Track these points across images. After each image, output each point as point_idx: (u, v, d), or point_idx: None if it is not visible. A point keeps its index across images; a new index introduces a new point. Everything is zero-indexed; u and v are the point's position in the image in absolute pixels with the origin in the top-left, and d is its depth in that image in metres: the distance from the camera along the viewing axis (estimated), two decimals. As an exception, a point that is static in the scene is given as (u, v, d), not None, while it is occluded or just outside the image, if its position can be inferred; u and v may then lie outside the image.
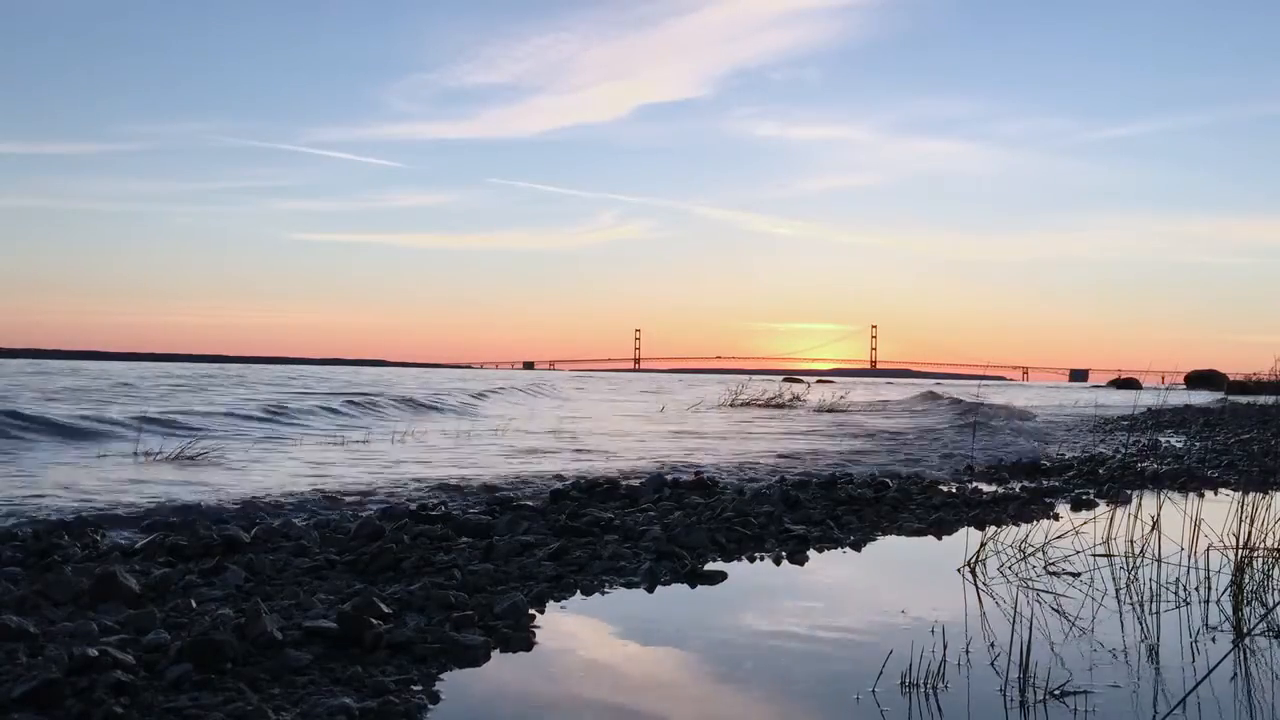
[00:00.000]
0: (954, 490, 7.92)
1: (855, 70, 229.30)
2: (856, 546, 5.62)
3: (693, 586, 4.56)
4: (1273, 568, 4.46)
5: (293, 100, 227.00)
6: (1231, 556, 4.52)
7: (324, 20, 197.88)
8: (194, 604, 3.83)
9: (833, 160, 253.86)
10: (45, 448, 10.60)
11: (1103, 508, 6.88)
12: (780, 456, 11.22)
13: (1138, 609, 4.14)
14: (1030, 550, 5.11)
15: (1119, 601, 4.25)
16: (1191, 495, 7.94)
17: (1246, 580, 4.33)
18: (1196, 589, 4.40)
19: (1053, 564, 4.93)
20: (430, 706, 2.90)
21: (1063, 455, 11.53)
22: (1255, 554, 4.47)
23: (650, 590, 4.48)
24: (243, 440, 12.13)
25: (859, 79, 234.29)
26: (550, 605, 4.10)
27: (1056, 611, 4.07)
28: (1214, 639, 3.68)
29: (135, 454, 9.81)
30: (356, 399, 20.75)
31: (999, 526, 6.07)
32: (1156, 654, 3.47)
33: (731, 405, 26.06)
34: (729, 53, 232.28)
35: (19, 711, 2.70)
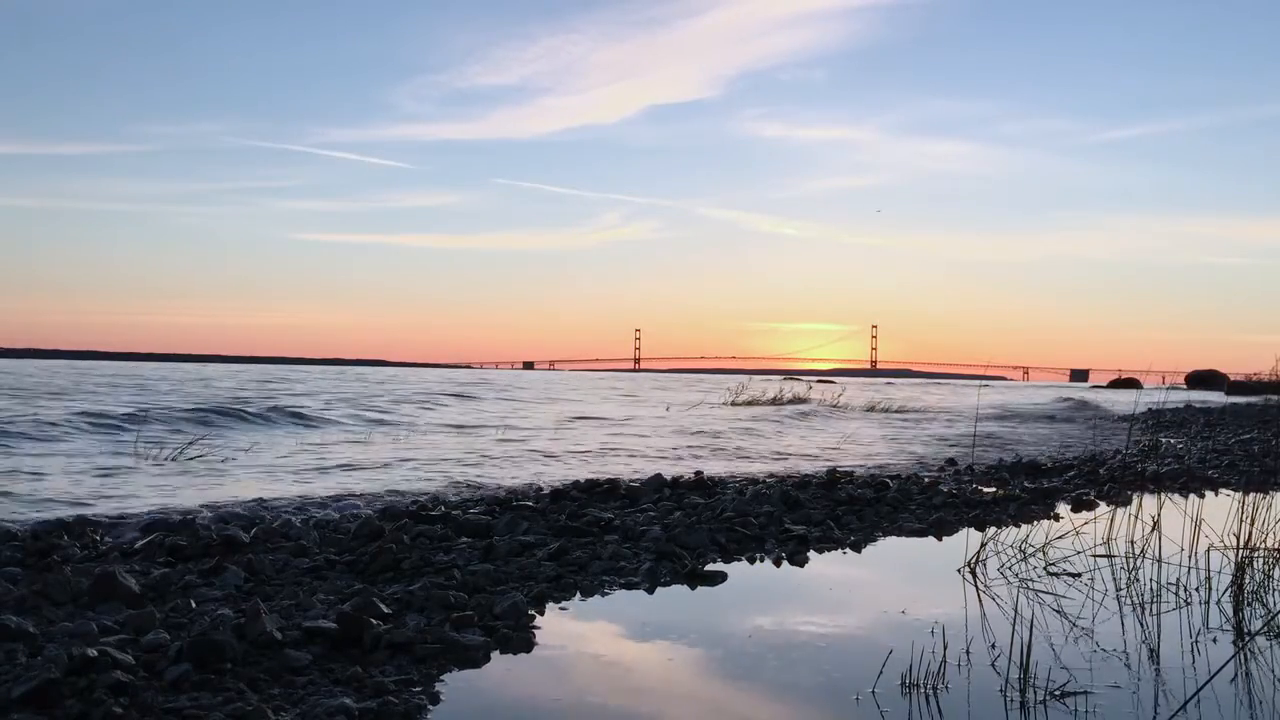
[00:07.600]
0: (954, 490, 7.92)
1: (861, 72, 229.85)
2: (857, 547, 5.62)
3: (693, 587, 4.56)
4: (1273, 568, 4.46)
5: (300, 101, 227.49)
6: (1232, 557, 4.52)
7: (333, 21, 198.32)
8: (194, 604, 3.83)
9: (837, 161, 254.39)
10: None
11: (1103, 508, 6.88)
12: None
13: (1138, 609, 4.13)
14: (1031, 551, 5.11)
15: (1119, 602, 4.25)
16: (1192, 495, 7.94)
17: (1247, 580, 4.33)
18: (1197, 589, 4.40)
19: (1053, 564, 4.92)
20: (430, 707, 2.89)
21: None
22: (1256, 554, 4.47)
23: (650, 591, 4.47)
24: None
25: (864, 80, 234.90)
26: (550, 606, 4.10)
27: (1057, 612, 4.06)
28: (1215, 640, 3.67)
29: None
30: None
31: (999, 527, 6.06)
32: (1157, 655, 3.47)
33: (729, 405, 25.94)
34: (737, 54, 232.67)
35: (19, 711, 2.70)
